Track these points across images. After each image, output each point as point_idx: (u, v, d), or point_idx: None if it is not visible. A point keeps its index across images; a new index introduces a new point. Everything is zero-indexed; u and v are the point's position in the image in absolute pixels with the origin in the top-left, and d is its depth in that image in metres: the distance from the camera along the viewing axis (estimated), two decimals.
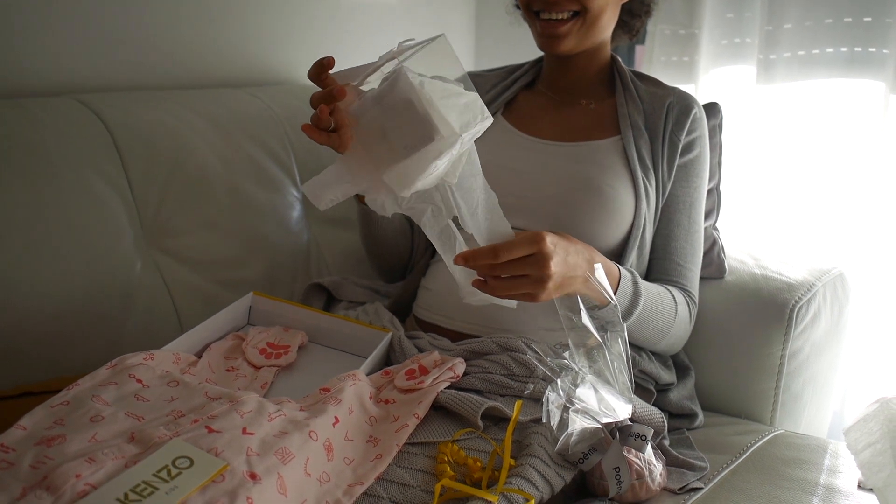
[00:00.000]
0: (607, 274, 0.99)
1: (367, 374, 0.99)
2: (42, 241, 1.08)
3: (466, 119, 0.83)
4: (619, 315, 0.93)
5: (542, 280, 0.91)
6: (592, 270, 0.95)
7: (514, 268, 0.90)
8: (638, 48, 2.01)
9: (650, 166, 1.17)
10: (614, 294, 1.01)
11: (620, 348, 0.92)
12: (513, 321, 1.09)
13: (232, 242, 1.31)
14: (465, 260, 0.89)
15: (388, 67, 0.86)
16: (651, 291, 1.10)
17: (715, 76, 1.68)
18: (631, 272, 1.08)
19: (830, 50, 1.53)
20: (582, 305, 0.88)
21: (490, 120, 0.86)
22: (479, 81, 1.35)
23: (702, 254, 1.23)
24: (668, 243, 1.19)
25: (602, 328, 0.90)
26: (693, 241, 1.20)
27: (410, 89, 0.80)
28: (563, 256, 0.93)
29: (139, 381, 0.82)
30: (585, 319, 0.88)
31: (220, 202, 1.30)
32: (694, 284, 1.20)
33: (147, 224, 1.22)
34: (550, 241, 0.91)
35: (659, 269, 1.19)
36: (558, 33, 1.14)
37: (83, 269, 1.12)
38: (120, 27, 1.38)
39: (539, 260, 0.90)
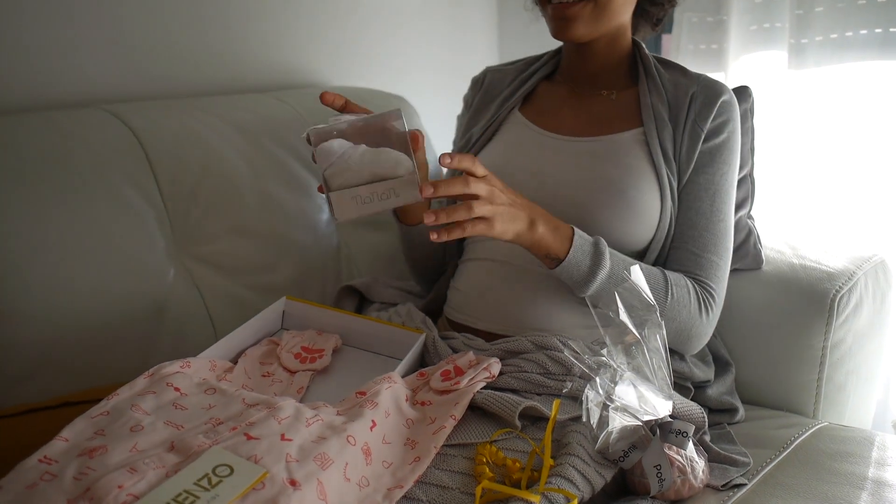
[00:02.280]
0: (556, 231, 0.99)
1: (403, 376, 0.98)
2: (75, 252, 1.09)
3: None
4: (655, 308, 0.91)
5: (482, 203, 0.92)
6: (536, 216, 0.98)
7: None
8: (665, 37, 1.98)
9: (673, 159, 1.13)
10: (566, 254, 1.00)
11: (659, 344, 0.90)
12: (546, 320, 1.08)
13: (263, 247, 1.31)
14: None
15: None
16: (624, 260, 1.06)
17: (745, 63, 1.65)
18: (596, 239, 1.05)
19: (864, 31, 1.49)
20: (619, 302, 0.86)
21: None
22: (497, 77, 1.34)
23: (728, 245, 1.14)
24: (684, 231, 1.12)
25: (640, 324, 0.89)
26: (715, 230, 1.12)
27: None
28: (500, 185, 0.95)
29: (177, 389, 0.82)
30: (623, 315, 0.86)
31: (249, 207, 1.31)
32: (713, 275, 1.11)
33: (178, 232, 1.23)
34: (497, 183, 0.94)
35: (672, 258, 1.13)
36: (568, 16, 1.10)
37: (117, 278, 1.12)
38: (145, 37, 1.39)
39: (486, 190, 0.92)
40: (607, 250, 1.03)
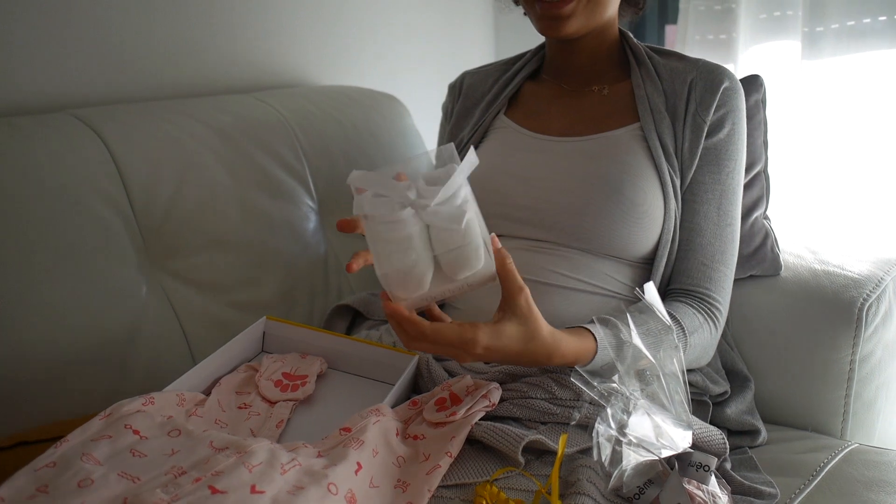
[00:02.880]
0: (579, 357, 0.86)
1: (394, 405, 0.90)
2: (36, 271, 1.00)
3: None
4: (670, 328, 0.82)
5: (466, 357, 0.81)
6: (548, 364, 0.85)
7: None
8: (669, 28, 1.89)
9: (674, 155, 1.04)
10: (591, 361, 0.88)
11: (675, 367, 0.81)
12: None
13: (244, 261, 1.22)
14: (392, 315, 0.78)
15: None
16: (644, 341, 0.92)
17: (756, 53, 1.56)
18: (614, 331, 0.88)
19: (883, 18, 1.40)
20: (632, 323, 0.77)
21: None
22: (476, 80, 1.26)
23: (735, 251, 1.06)
24: (691, 238, 1.04)
25: (654, 346, 0.80)
26: (724, 236, 1.04)
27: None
28: (498, 357, 0.82)
29: (136, 432, 0.73)
30: (636, 339, 0.77)
31: (229, 217, 1.22)
32: (721, 289, 1.03)
33: (151, 246, 1.14)
34: (483, 348, 0.79)
35: (679, 270, 1.04)
36: (562, 14, 1.02)
37: (83, 299, 1.03)
38: (117, 36, 1.30)
39: (461, 355, 0.81)
40: (629, 324, 0.88)
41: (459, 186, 0.74)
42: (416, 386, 0.99)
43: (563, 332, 0.85)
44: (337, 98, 1.50)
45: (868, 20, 1.41)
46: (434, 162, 0.79)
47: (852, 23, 1.42)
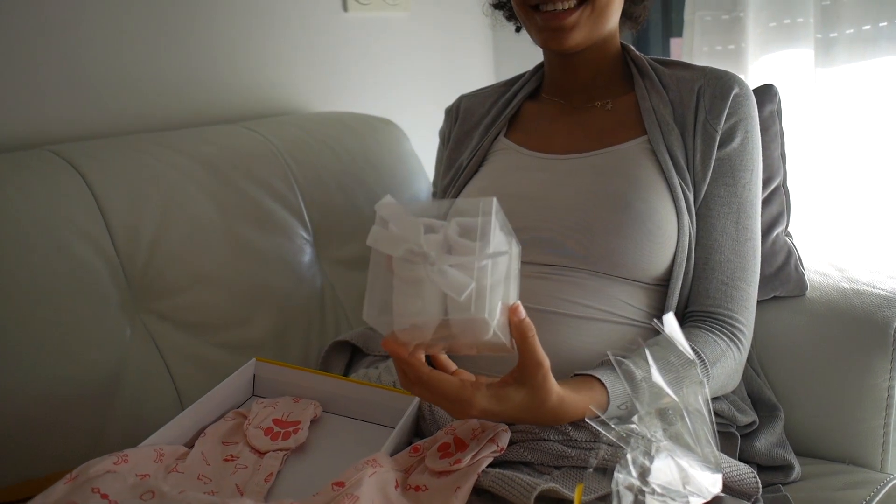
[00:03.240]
0: (588, 413, 0.79)
1: (393, 452, 0.82)
2: (9, 317, 0.93)
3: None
4: (694, 363, 0.75)
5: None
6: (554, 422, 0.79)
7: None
8: (674, 42, 1.83)
9: (686, 168, 0.98)
10: (603, 414, 0.80)
11: (700, 404, 0.74)
12: (568, 370, 0.91)
13: (234, 298, 1.15)
14: (392, 345, 0.72)
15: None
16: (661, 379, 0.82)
17: (767, 63, 1.49)
18: (626, 374, 0.80)
19: None
20: (651, 359, 0.70)
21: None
22: (474, 103, 1.21)
23: (757, 267, 0.99)
24: (709, 256, 0.97)
25: (676, 382, 0.72)
26: (744, 252, 0.98)
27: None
28: (495, 420, 0.78)
29: (104, 496, 0.66)
30: (656, 376, 0.70)
31: (217, 253, 1.15)
32: (744, 309, 0.96)
33: (135, 285, 1.07)
34: (479, 411, 0.74)
35: (698, 291, 0.97)
36: (565, 25, 0.97)
37: (60, 345, 0.97)
38: (98, 69, 1.25)
39: (454, 411, 0.76)
40: (648, 359, 0.78)
41: (483, 249, 0.68)
42: (418, 429, 0.92)
43: (571, 391, 0.79)
44: (330, 124, 1.44)
45: (885, 23, 1.34)
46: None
47: (868, 27, 1.35)
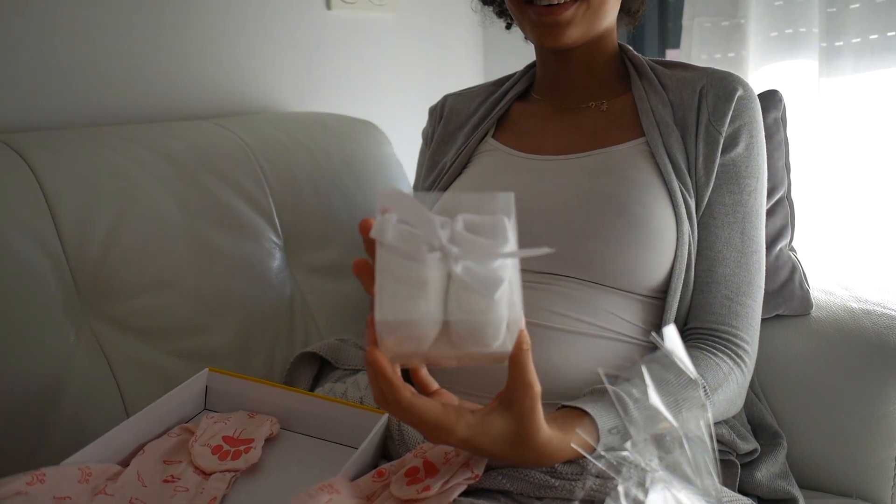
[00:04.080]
0: (576, 455, 0.71)
1: (354, 477, 0.73)
2: None
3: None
4: (696, 383, 0.66)
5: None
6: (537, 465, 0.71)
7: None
8: (670, 53, 1.76)
9: (687, 173, 0.91)
10: (593, 450, 0.71)
11: (702, 430, 0.65)
12: (558, 391, 0.83)
13: (193, 304, 1.06)
14: (372, 365, 0.62)
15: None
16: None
17: (768, 73, 1.43)
18: (622, 405, 0.70)
19: None
20: (647, 377, 0.61)
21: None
22: (460, 103, 1.14)
23: (762, 282, 0.92)
24: (713, 269, 0.89)
25: (675, 405, 0.64)
26: (749, 266, 0.90)
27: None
28: (475, 453, 0.69)
29: None
30: (654, 398, 0.61)
31: (176, 254, 1.06)
32: (748, 326, 0.88)
33: (83, 287, 0.98)
34: (459, 440, 0.66)
35: (699, 306, 0.89)
36: (560, 21, 0.91)
37: None
38: (58, 57, 1.17)
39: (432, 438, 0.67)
40: (645, 378, 0.69)
41: (501, 247, 0.61)
42: (386, 450, 0.83)
43: (558, 431, 0.70)
44: (307, 124, 1.36)
45: (893, 33, 1.28)
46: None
47: (875, 36, 1.29)
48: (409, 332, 0.60)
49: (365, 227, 0.64)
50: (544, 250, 0.59)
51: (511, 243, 0.63)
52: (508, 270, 0.62)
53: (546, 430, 0.68)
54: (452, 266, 0.59)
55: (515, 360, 0.64)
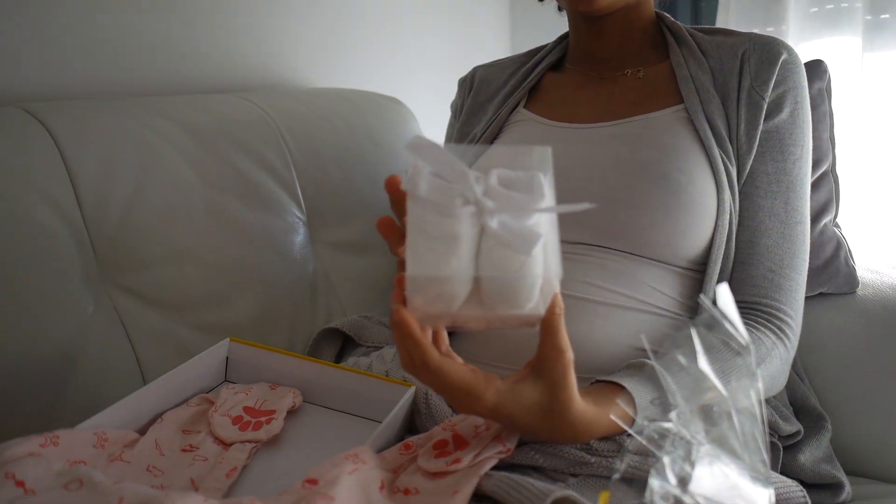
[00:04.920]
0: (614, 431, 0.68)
1: (380, 450, 0.70)
2: None
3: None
4: (747, 348, 0.62)
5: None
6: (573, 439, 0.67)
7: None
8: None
9: (728, 140, 0.87)
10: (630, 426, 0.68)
11: (753, 401, 0.61)
12: (594, 364, 0.79)
13: (213, 276, 1.03)
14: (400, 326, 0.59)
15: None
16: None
17: (809, 49, 1.37)
18: (646, 386, 0.70)
19: None
20: (697, 340, 0.58)
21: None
22: (490, 73, 1.11)
23: (807, 255, 0.87)
24: (755, 240, 0.85)
25: (725, 373, 0.60)
26: (793, 237, 0.85)
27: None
28: (506, 424, 0.65)
29: (20, 483, 0.54)
30: (703, 363, 0.57)
31: (198, 226, 1.03)
32: (792, 300, 0.84)
33: (102, 256, 0.95)
34: (489, 409, 0.62)
35: (741, 279, 0.84)
36: None
37: (12, 316, 0.85)
38: (84, 27, 1.14)
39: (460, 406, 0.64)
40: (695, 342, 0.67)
41: (538, 203, 0.58)
42: (412, 424, 0.79)
43: (593, 405, 0.66)
44: (332, 99, 1.33)
45: None
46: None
47: None
48: (439, 290, 0.57)
49: (392, 184, 0.61)
50: (584, 206, 0.56)
51: (548, 199, 0.59)
52: (544, 228, 0.58)
53: (580, 401, 0.64)
54: (487, 220, 0.56)
55: (548, 324, 0.60)
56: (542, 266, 0.58)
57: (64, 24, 1.12)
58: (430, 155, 0.58)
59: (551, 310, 0.60)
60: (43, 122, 0.98)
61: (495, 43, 1.84)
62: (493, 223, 0.56)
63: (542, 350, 0.61)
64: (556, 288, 0.60)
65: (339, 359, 1.03)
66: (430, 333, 0.63)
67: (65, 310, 0.90)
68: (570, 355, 0.62)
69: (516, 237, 0.55)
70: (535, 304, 0.59)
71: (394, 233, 0.61)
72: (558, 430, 0.65)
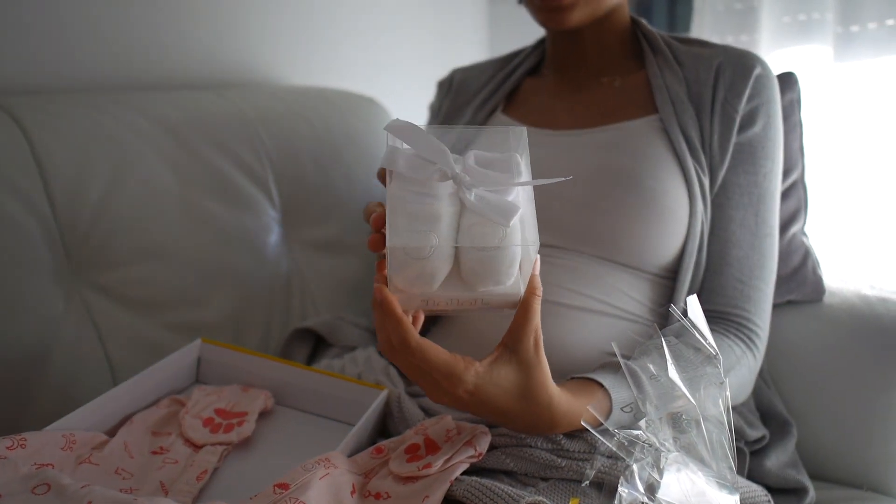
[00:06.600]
0: (590, 423, 0.66)
1: (352, 453, 0.70)
2: None
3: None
4: (715, 358, 0.63)
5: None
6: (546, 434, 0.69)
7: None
8: None
9: (701, 150, 0.88)
10: (606, 418, 0.69)
11: (721, 409, 0.62)
12: (564, 358, 0.80)
13: (187, 275, 1.02)
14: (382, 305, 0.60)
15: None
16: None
17: (781, 58, 1.39)
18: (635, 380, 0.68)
19: None
20: (668, 352, 0.58)
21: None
22: (469, 77, 1.11)
23: (775, 266, 0.89)
24: (726, 251, 0.87)
25: (693, 382, 0.61)
26: (763, 248, 0.87)
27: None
28: (484, 409, 0.64)
29: None
30: (673, 373, 0.58)
31: (171, 223, 1.02)
32: (760, 310, 0.86)
33: (74, 253, 0.94)
34: (467, 391, 0.62)
35: (711, 288, 0.86)
36: (562, 4, 0.88)
37: None
38: (58, 19, 1.12)
39: (436, 391, 0.64)
40: (664, 351, 0.66)
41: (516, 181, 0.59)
42: (384, 427, 0.80)
43: (567, 393, 0.66)
44: (309, 97, 1.32)
45: None
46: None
47: (892, 21, 1.26)
48: (420, 269, 0.58)
49: (383, 176, 0.62)
50: (561, 179, 0.58)
51: (525, 178, 0.61)
52: (522, 205, 0.59)
53: (555, 387, 0.65)
54: (465, 194, 0.57)
55: (525, 303, 0.61)
56: (521, 239, 0.59)
57: (35, 19, 1.10)
58: (409, 135, 0.59)
59: (531, 290, 0.61)
60: (11, 113, 0.96)
61: (473, 44, 1.84)
62: (471, 197, 0.57)
63: (515, 326, 0.62)
64: (535, 257, 0.61)
65: (311, 360, 1.02)
66: (410, 319, 0.63)
67: (35, 308, 0.89)
68: (540, 335, 0.62)
69: (494, 209, 0.56)
70: (514, 281, 0.60)
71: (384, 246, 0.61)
72: (534, 413, 0.64)
